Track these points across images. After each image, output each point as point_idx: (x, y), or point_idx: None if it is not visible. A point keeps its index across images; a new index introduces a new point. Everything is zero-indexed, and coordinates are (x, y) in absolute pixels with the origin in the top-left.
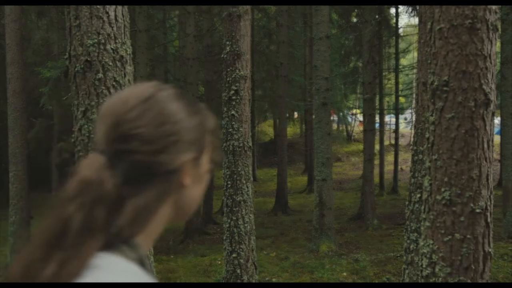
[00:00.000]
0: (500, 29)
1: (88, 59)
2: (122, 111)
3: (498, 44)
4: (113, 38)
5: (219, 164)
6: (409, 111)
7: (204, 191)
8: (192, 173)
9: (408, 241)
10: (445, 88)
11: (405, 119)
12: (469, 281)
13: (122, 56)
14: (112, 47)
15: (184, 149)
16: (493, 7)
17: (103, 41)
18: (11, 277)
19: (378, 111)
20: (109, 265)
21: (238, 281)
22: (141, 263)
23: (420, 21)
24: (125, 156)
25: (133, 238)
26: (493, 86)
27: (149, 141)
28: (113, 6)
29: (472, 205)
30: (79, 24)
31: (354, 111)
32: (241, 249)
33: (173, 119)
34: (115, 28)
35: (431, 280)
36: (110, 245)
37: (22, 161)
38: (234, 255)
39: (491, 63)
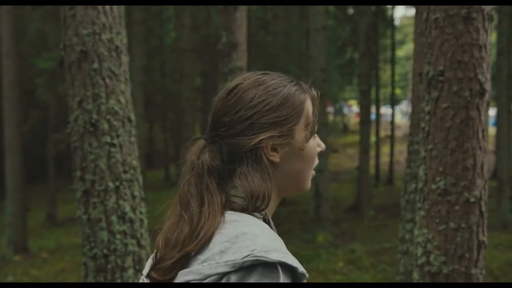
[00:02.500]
0: (496, 20)
1: (83, 49)
2: (215, 103)
3: (495, 35)
4: (108, 28)
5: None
6: (405, 102)
7: (310, 165)
8: (282, 149)
9: (403, 231)
10: (440, 78)
11: (401, 110)
12: (463, 269)
13: (117, 46)
14: (108, 37)
15: (260, 130)
16: None
17: (98, 31)
18: (157, 245)
19: (375, 103)
20: (245, 220)
21: None
22: (266, 220)
23: (416, 11)
24: (217, 140)
25: (259, 207)
26: (488, 76)
27: (230, 126)
28: None
29: (466, 194)
30: (74, 14)
31: (350, 102)
32: None
33: (247, 105)
34: (110, 18)
35: (425, 269)
36: (243, 211)
37: (18, 153)
38: None
39: (486, 52)
